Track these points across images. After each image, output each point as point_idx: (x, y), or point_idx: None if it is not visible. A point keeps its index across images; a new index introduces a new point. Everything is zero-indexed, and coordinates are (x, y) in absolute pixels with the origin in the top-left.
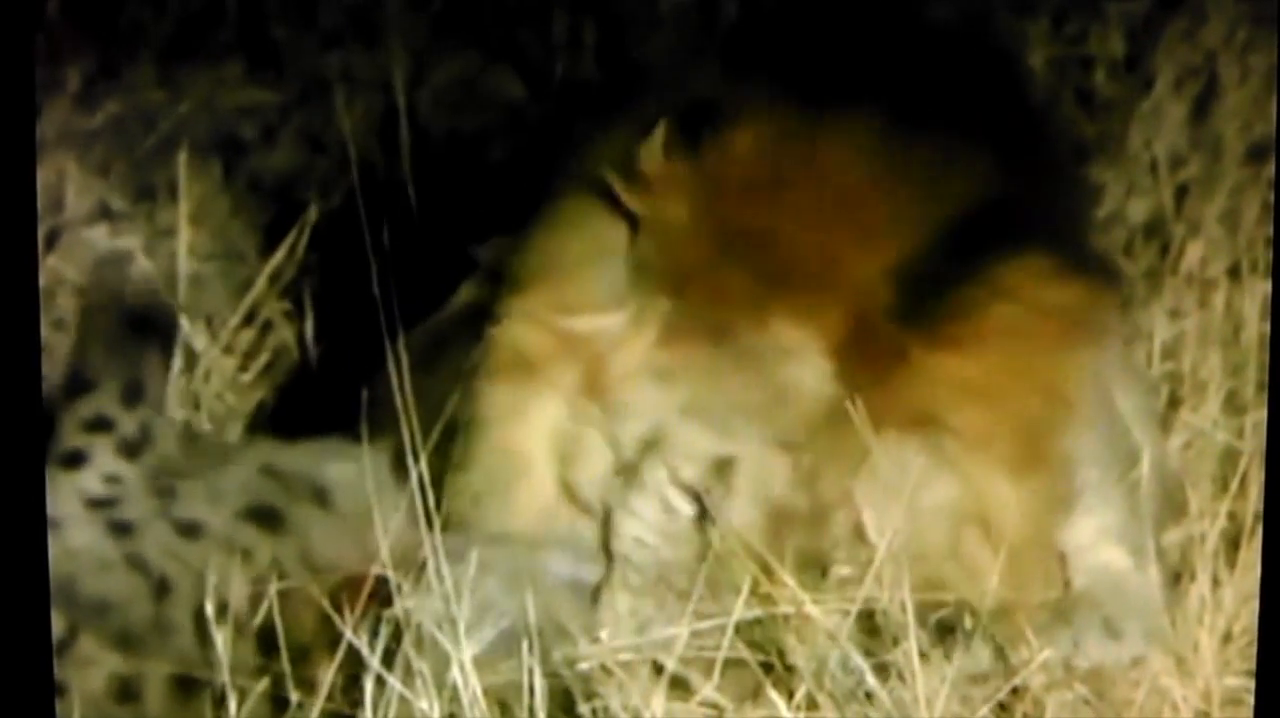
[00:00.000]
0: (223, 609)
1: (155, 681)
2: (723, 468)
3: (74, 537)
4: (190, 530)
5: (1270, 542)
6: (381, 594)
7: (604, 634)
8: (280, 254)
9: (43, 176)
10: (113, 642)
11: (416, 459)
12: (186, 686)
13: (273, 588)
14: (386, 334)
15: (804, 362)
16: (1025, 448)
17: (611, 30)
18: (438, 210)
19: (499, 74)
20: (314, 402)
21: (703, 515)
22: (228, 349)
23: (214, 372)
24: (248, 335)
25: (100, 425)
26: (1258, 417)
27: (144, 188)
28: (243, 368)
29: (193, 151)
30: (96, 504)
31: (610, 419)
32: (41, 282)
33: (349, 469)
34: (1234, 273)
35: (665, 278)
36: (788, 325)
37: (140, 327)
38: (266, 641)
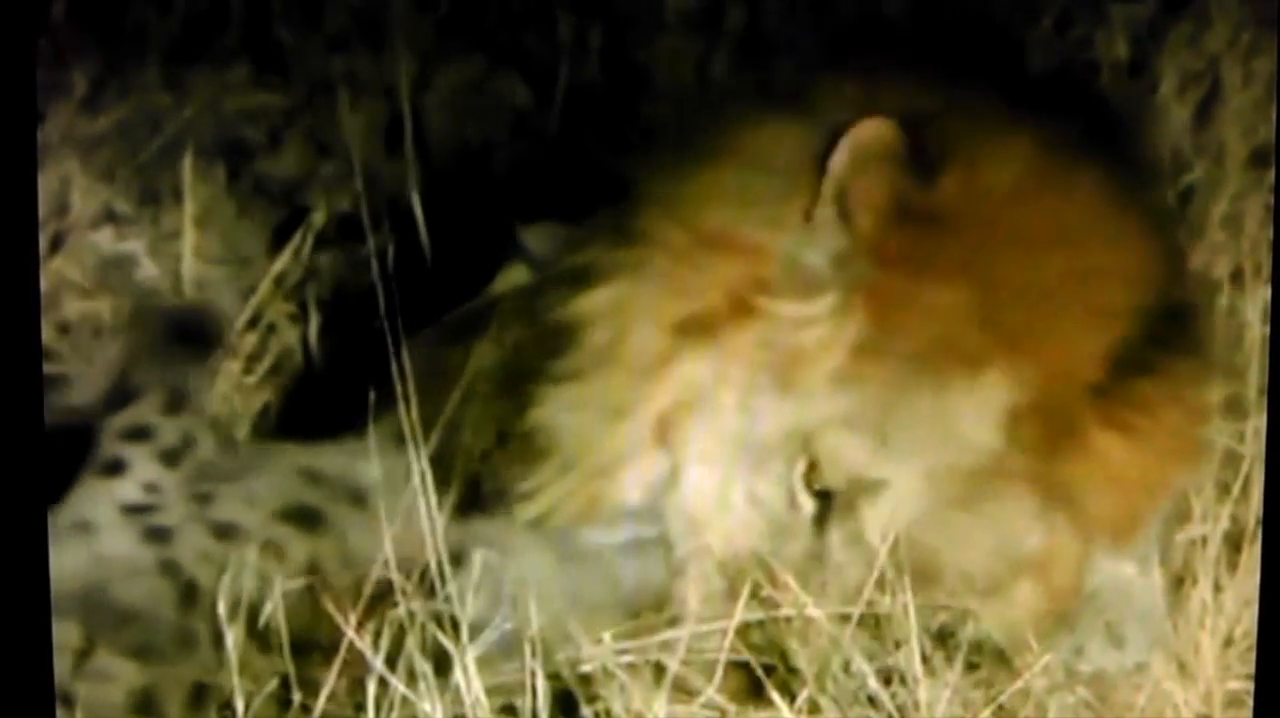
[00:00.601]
0: (236, 608)
1: (174, 691)
2: (870, 489)
3: (108, 543)
4: (226, 532)
5: (1270, 545)
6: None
7: (606, 636)
8: (285, 257)
9: (47, 180)
10: (132, 652)
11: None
12: (205, 694)
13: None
14: (389, 338)
15: (986, 416)
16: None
17: (617, 34)
18: (443, 215)
19: (504, 78)
20: (318, 404)
21: (822, 519)
22: (233, 352)
23: (219, 374)
24: (252, 338)
25: (140, 435)
26: (1259, 421)
27: (149, 191)
28: (248, 371)
29: (198, 155)
30: (134, 511)
31: (752, 393)
32: (45, 285)
33: (386, 469)
34: (1236, 277)
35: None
36: (986, 376)
37: (190, 335)
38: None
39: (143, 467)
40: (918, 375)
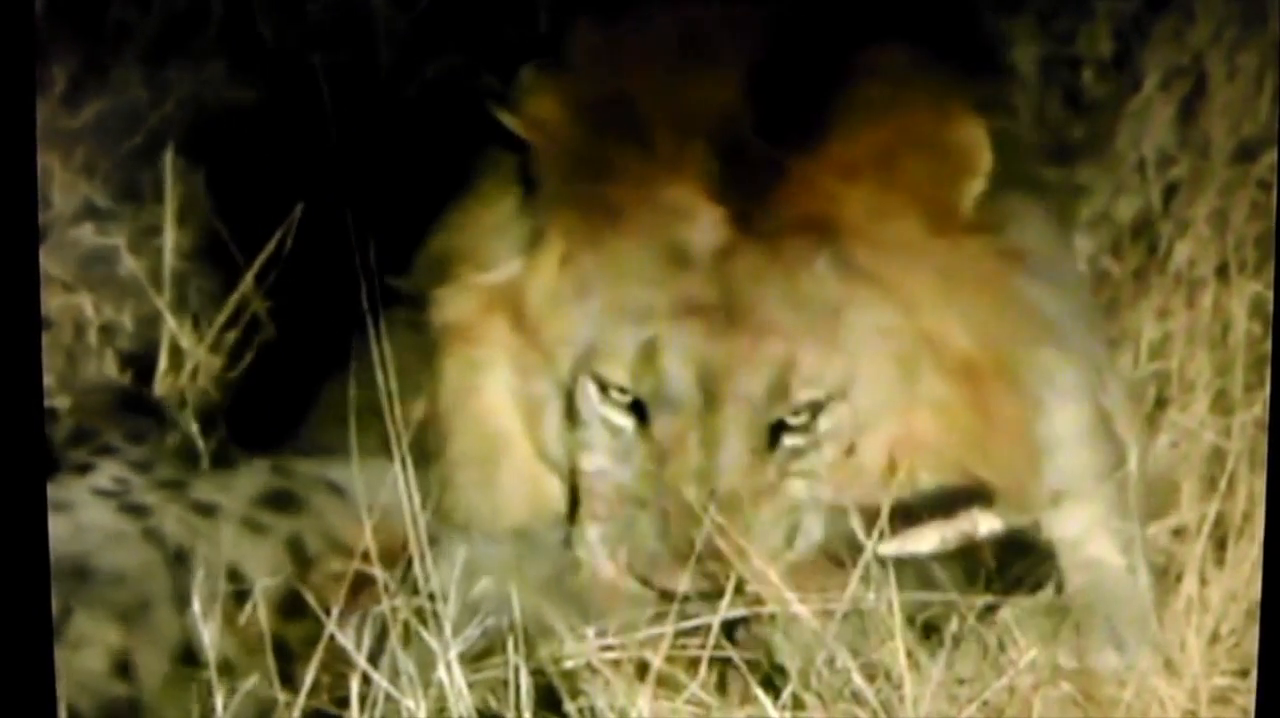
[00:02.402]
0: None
1: (158, 654)
2: (647, 353)
3: (85, 516)
4: (207, 510)
5: (1271, 544)
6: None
7: (590, 632)
8: (266, 252)
9: None
10: (117, 616)
11: (404, 460)
12: (192, 659)
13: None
14: (373, 332)
15: (693, 214)
16: (935, 220)
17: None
18: (422, 207)
19: (483, 73)
20: (294, 398)
21: (644, 421)
22: (214, 348)
23: (201, 370)
24: (233, 334)
25: (106, 451)
26: (1245, 417)
27: (130, 186)
28: (230, 366)
29: (178, 150)
30: (106, 494)
31: (550, 362)
32: None
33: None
34: (1222, 273)
35: (554, 198)
36: (665, 184)
37: (133, 405)
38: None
39: (110, 468)
40: (623, 234)
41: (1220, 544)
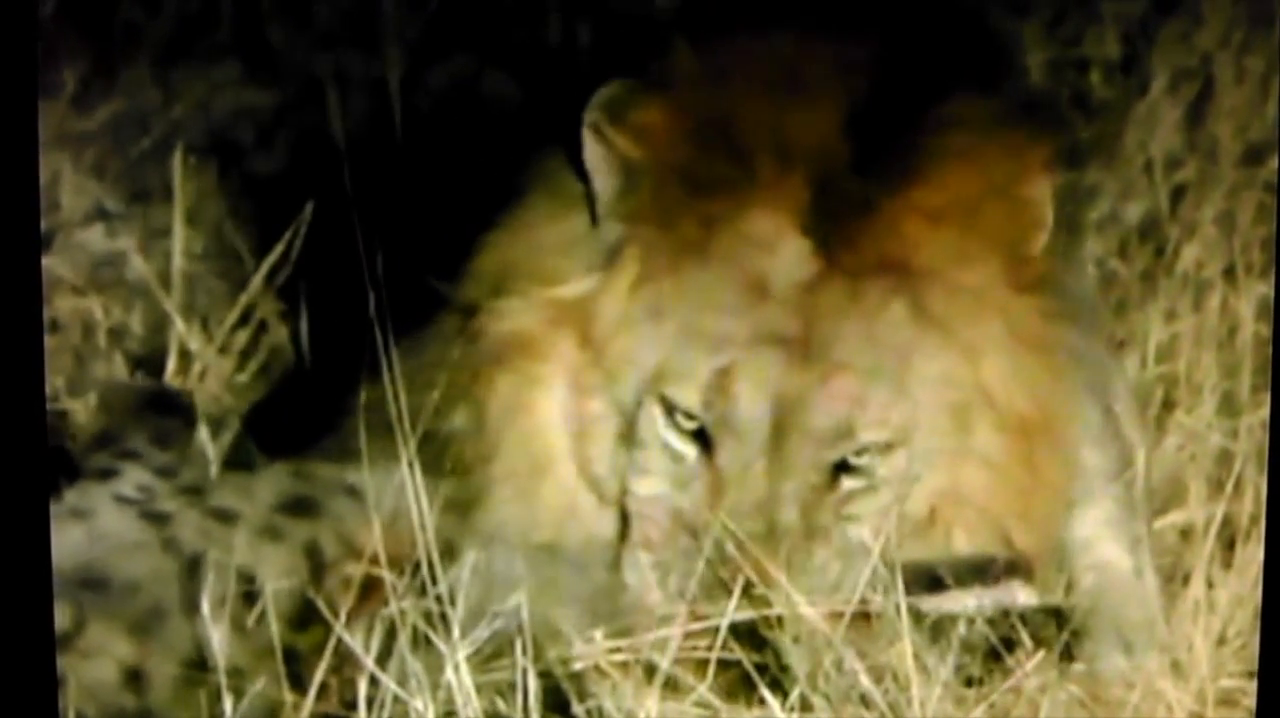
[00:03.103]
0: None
1: (168, 665)
2: (722, 379)
3: (104, 523)
4: (226, 517)
5: (1272, 547)
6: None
7: (598, 634)
8: (275, 254)
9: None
10: (130, 627)
11: (412, 467)
12: (202, 666)
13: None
14: (379, 336)
15: (780, 244)
16: (1007, 271)
17: (606, 32)
18: (432, 211)
19: (493, 76)
20: (309, 402)
21: (708, 449)
22: (223, 349)
23: (210, 372)
24: (243, 335)
25: (130, 456)
26: (1252, 419)
27: (139, 189)
28: (239, 368)
29: (188, 152)
30: (128, 501)
31: (613, 382)
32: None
33: (376, 475)
34: (1229, 274)
35: (635, 215)
36: (758, 212)
37: (159, 406)
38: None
39: (135, 474)
40: (706, 259)
41: (1228, 546)
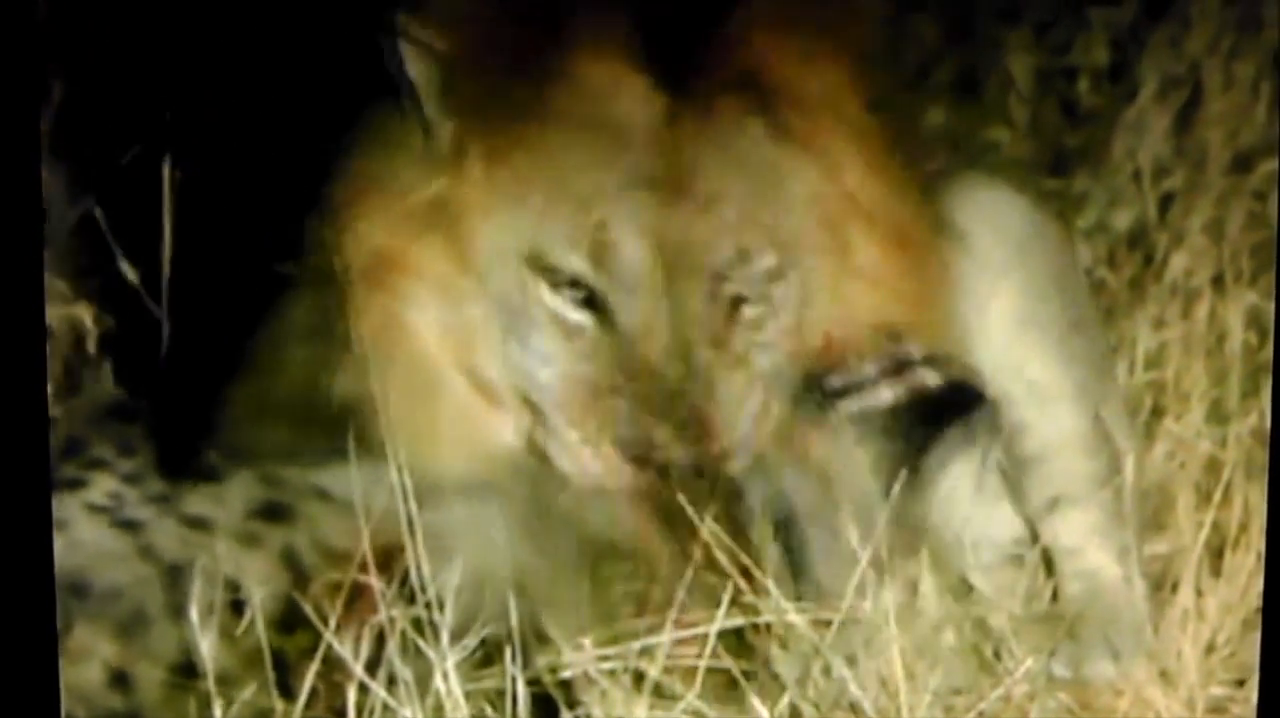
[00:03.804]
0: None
1: (155, 667)
2: (600, 234)
3: (79, 533)
4: (199, 524)
5: (1273, 552)
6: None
7: (587, 642)
8: None
9: None
10: (115, 631)
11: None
12: (190, 671)
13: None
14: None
15: (619, 89)
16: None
17: None
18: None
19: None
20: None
21: (605, 314)
22: None
23: None
24: None
25: (98, 464)
26: (1241, 426)
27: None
28: None
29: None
30: (100, 509)
31: (487, 279)
32: None
33: (342, 475)
34: (1218, 282)
35: (465, 106)
36: (588, 64)
37: (120, 414)
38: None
39: (104, 483)
40: (551, 120)
41: (1217, 554)
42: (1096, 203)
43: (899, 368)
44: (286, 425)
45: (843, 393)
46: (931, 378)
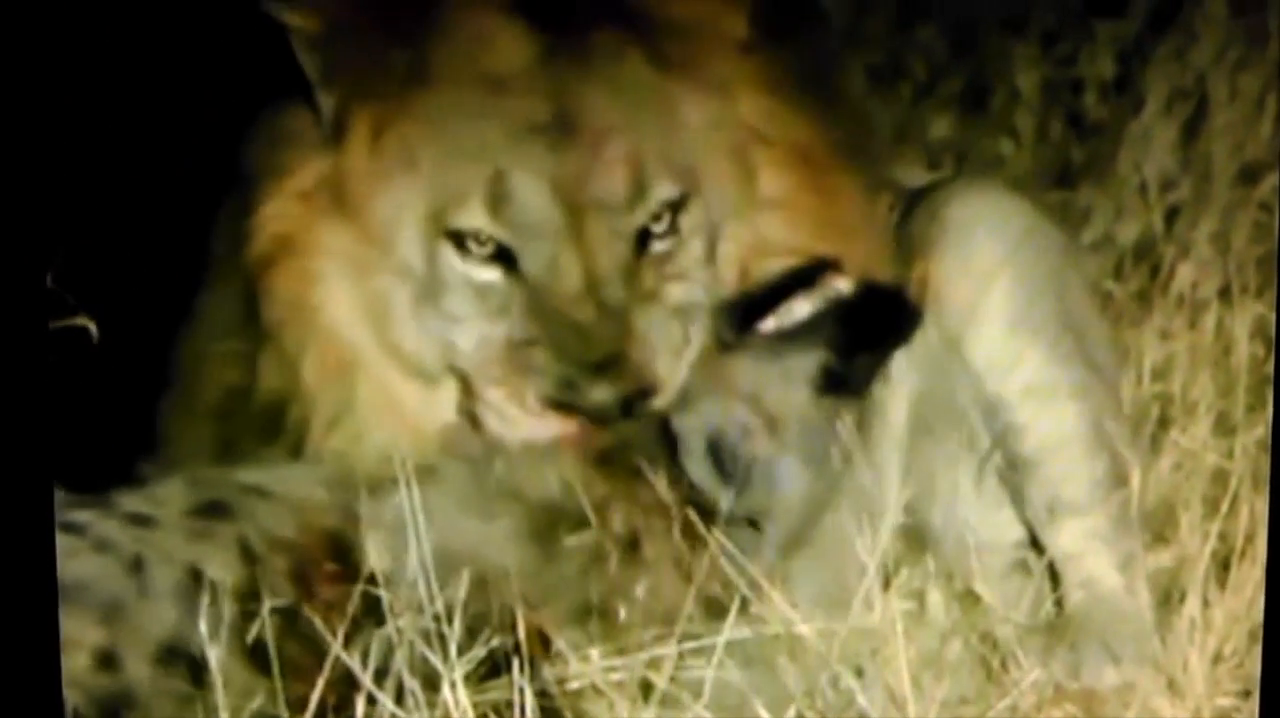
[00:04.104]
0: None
1: (141, 649)
2: (497, 184)
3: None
4: (144, 521)
5: (1273, 566)
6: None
7: (594, 653)
8: None
9: None
10: (94, 618)
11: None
12: (173, 653)
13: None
14: None
15: (493, 34)
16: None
17: None
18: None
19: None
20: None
21: (513, 264)
22: None
23: None
24: None
25: None
26: (1248, 438)
27: None
28: None
29: None
30: None
31: (389, 248)
32: None
33: (269, 473)
34: (1225, 294)
35: (343, 80)
36: (458, 14)
37: None
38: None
39: None
40: (433, 84)
41: (1223, 565)
42: (1103, 215)
43: (809, 279)
44: (214, 426)
45: (756, 313)
46: (845, 284)
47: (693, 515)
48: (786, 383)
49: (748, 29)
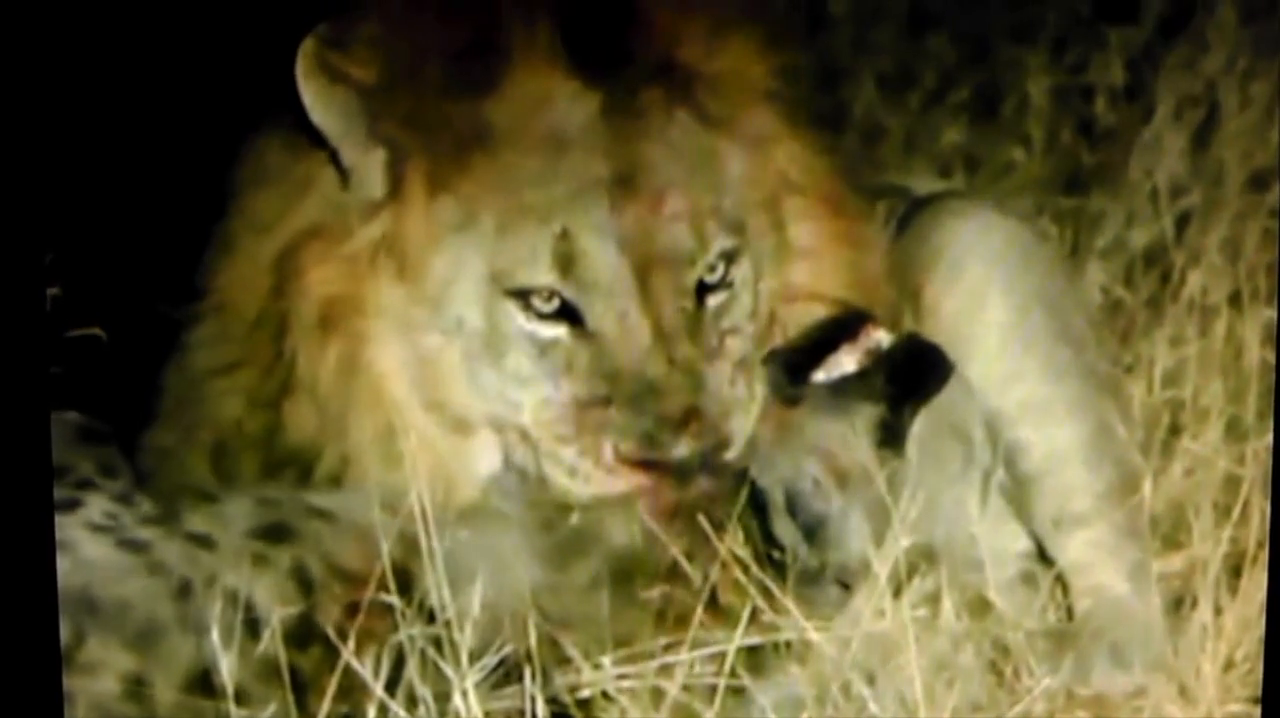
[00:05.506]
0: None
1: (169, 677)
2: (563, 243)
3: (86, 552)
4: (204, 542)
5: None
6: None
7: (606, 660)
8: None
9: None
10: (127, 642)
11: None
12: (204, 683)
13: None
14: None
15: (554, 93)
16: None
17: None
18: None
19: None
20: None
21: (577, 321)
22: None
23: None
24: None
25: (87, 485)
26: (1259, 444)
27: None
28: None
29: None
30: (101, 529)
31: (442, 307)
32: None
33: (335, 498)
34: (1235, 300)
35: (397, 134)
36: (520, 73)
37: (91, 438)
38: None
39: (99, 503)
40: (491, 143)
41: (1234, 572)
42: (1113, 222)
43: (849, 329)
44: (207, 458)
45: (803, 365)
46: (884, 336)
47: (768, 574)
48: (853, 436)
49: (773, 78)
